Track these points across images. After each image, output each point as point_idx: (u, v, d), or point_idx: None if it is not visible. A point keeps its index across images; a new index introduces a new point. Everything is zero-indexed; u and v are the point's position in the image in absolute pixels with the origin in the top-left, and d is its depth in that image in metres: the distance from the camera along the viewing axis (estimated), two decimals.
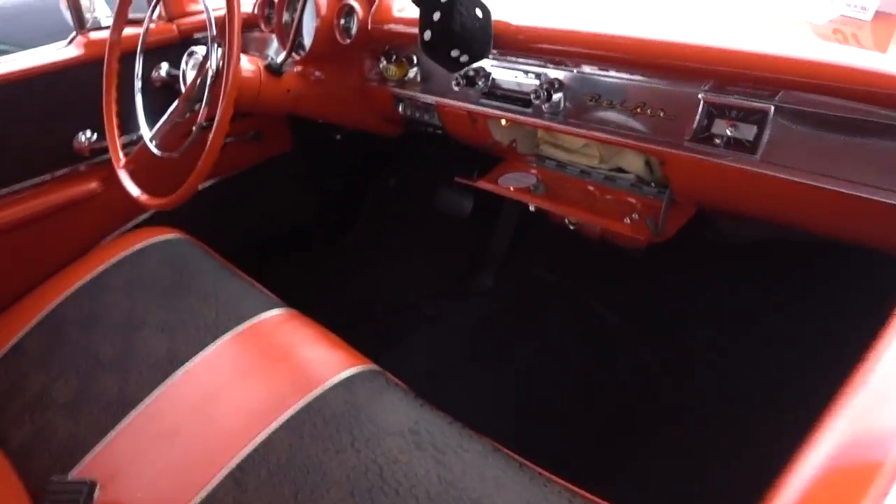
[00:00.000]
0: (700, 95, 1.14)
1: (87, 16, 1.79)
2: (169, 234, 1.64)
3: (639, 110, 1.23)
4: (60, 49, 1.75)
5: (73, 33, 1.79)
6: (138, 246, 1.60)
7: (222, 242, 1.67)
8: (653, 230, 1.28)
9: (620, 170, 1.47)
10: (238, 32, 1.31)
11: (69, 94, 1.73)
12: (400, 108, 1.71)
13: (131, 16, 1.64)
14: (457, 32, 1.22)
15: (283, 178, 2.26)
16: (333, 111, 1.80)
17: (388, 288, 2.20)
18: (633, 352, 1.78)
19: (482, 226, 2.11)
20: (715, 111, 1.14)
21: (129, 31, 1.63)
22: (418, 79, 1.62)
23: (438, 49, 1.26)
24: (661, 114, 1.20)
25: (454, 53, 1.26)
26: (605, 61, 1.25)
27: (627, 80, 1.24)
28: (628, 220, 1.32)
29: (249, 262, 1.65)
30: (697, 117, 1.15)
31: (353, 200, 2.41)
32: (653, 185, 1.42)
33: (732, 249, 1.65)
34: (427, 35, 1.26)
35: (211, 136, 1.34)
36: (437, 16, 1.24)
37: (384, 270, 2.26)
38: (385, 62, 1.65)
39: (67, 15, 1.79)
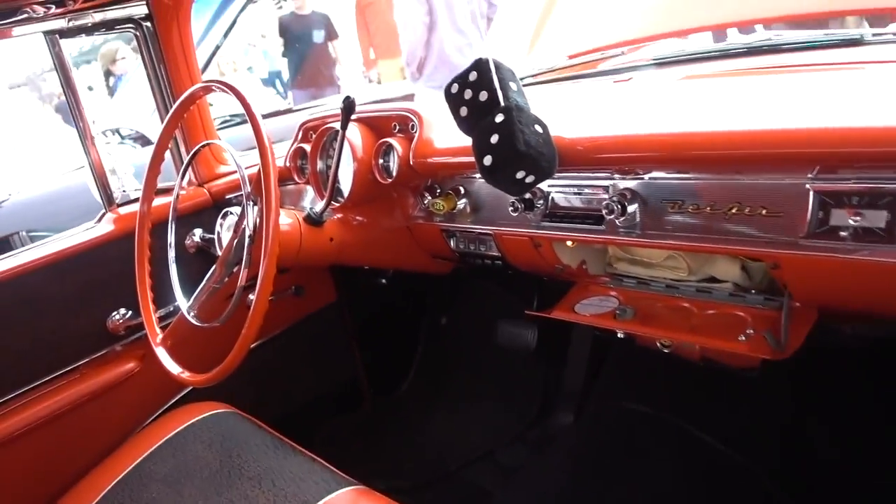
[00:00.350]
0: (808, 185, 0.99)
1: (116, 192, 1.73)
2: (213, 410, 1.50)
3: (734, 211, 1.08)
4: (90, 228, 1.68)
5: (102, 210, 1.72)
6: (181, 427, 1.46)
7: (269, 410, 1.53)
8: (774, 346, 1.09)
9: (713, 279, 1.30)
10: (275, 184, 1.21)
11: (100, 272, 1.66)
12: (451, 243, 1.58)
13: (161, 185, 1.58)
14: (522, 152, 1.10)
15: (329, 332, 2.13)
16: (379, 255, 1.69)
17: (455, 440, 1.99)
18: (754, 488, 1.52)
19: (552, 358, 1.92)
20: (830, 201, 0.98)
21: (159, 201, 1.55)
22: (468, 210, 1.50)
23: (502, 173, 1.15)
24: (763, 212, 1.05)
25: (519, 175, 1.14)
26: (684, 163, 1.11)
27: (713, 179, 1.09)
28: (743, 338, 1.13)
29: (299, 428, 1.49)
30: (810, 210, 0.99)
31: (404, 346, 2.25)
32: (753, 292, 1.24)
33: (855, 353, 1.44)
34: (487, 160, 1.15)
35: (254, 298, 1.21)
36: (495, 138, 1.13)
37: (448, 420, 2.06)
38: (430, 197, 1.54)
39: (96, 193, 1.73)
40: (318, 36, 5.56)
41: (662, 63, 1.44)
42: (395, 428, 2.11)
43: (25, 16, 1.48)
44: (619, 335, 1.33)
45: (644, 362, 1.68)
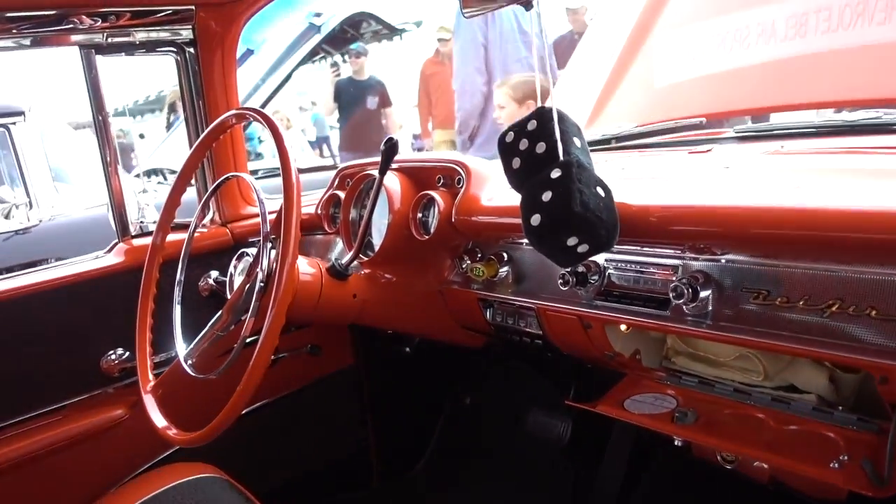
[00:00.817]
0: None
1: (133, 223, 1.61)
2: (201, 473, 1.33)
3: (835, 309, 0.89)
4: (98, 257, 1.57)
5: (115, 240, 1.60)
6: (161, 489, 1.28)
7: (265, 479, 1.35)
8: (874, 479, 0.88)
9: (792, 388, 1.10)
10: (296, 223, 1.07)
11: (103, 306, 1.54)
12: (488, 314, 1.41)
13: (182, 220, 1.45)
14: (578, 213, 0.95)
15: (342, 399, 1.96)
16: (406, 319, 1.52)
17: None
18: None
19: (586, 456, 1.71)
20: None
21: (177, 236, 1.42)
22: (510, 279, 1.34)
23: (552, 236, 1.00)
24: (872, 312, 0.86)
25: (571, 242, 0.99)
26: (776, 243, 0.94)
27: (807, 268, 0.92)
28: (836, 465, 0.93)
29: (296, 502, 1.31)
30: None
31: (422, 424, 2.05)
32: (841, 408, 1.04)
33: None
34: (535, 220, 1.00)
35: (256, 352, 1.06)
36: (548, 195, 0.99)
37: None
38: (469, 261, 1.39)
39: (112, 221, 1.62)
40: (372, 102, 5.63)
41: (747, 136, 1.28)
42: None
43: (71, 25, 1.42)
44: (676, 443, 1.13)
45: (698, 476, 1.46)
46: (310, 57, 4.13)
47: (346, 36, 4.44)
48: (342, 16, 3.97)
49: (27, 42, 1.43)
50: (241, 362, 1.15)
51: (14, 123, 3.00)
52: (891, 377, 0.86)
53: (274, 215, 1.26)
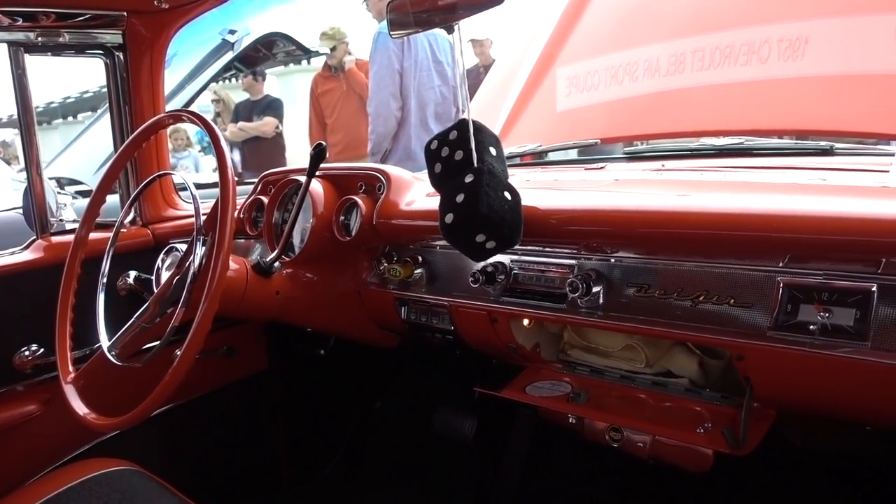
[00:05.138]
0: (778, 278, 0.98)
1: (52, 220, 1.62)
2: (117, 466, 1.33)
3: (701, 299, 1.06)
4: (14, 253, 1.56)
5: (33, 237, 1.60)
6: (74, 481, 1.28)
7: (179, 476, 1.37)
8: (732, 442, 1.05)
9: (669, 374, 1.26)
10: (231, 217, 1.15)
11: (17, 301, 1.53)
12: (403, 312, 1.51)
13: (101, 220, 1.48)
14: (483, 214, 1.09)
15: (254, 402, 1.99)
16: (325, 317, 1.60)
17: None
18: None
19: (489, 450, 1.82)
20: (799, 295, 0.97)
21: (96, 236, 1.45)
22: (424, 279, 1.45)
23: (462, 233, 1.13)
24: (731, 301, 1.03)
25: (480, 238, 1.12)
26: (656, 242, 1.10)
27: (681, 265, 1.08)
28: (701, 431, 1.09)
29: (211, 498, 1.34)
30: (778, 303, 0.98)
31: (332, 428, 2.11)
32: (708, 390, 1.21)
33: (805, 465, 1.40)
34: (449, 218, 1.13)
35: (188, 339, 1.11)
36: (461, 197, 1.12)
37: None
38: (386, 263, 1.49)
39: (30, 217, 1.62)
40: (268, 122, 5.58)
41: (634, 157, 1.47)
42: None
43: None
44: (570, 420, 1.27)
45: (588, 460, 1.60)
46: (222, 73, 4.13)
47: (258, 55, 4.46)
48: (256, 34, 4.00)
49: None
50: (163, 357, 1.19)
51: None
52: (745, 354, 1.03)
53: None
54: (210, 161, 6.53)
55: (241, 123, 5.67)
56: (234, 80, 5.72)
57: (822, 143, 1.29)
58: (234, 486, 1.89)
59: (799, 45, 1.32)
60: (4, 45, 1.48)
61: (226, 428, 1.92)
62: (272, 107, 5.70)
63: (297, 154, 6.23)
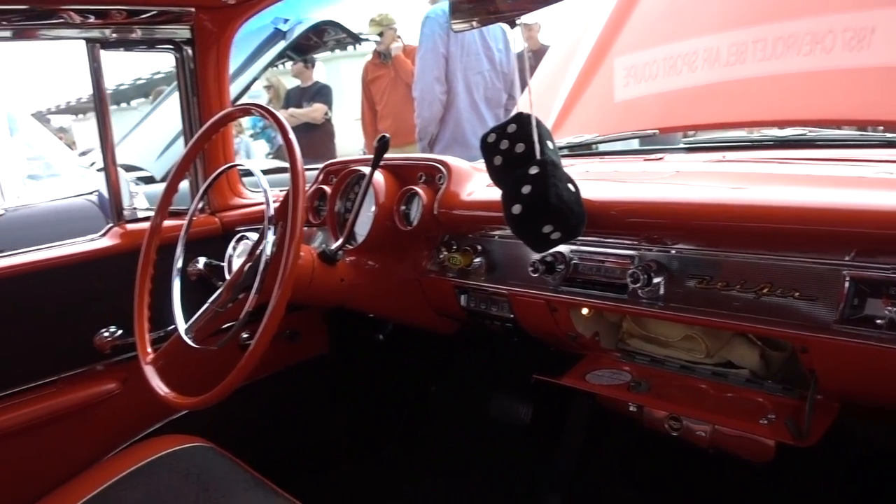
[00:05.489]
0: (844, 272, 0.98)
1: (126, 208, 1.70)
2: (192, 442, 1.41)
3: (765, 291, 1.07)
4: (93, 239, 1.64)
5: (109, 224, 1.69)
6: (155, 455, 1.36)
7: (244, 453, 1.44)
8: (795, 433, 1.06)
9: (729, 364, 1.27)
10: (303, 208, 1.19)
11: (96, 286, 1.60)
12: (462, 300, 1.55)
13: (172, 208, 1.55)
14: (553, 204, 1.11)
15: (315, 384, 2.05)
16: (386, 304, 1.65)
17: None
18: None
19: (545, 436, 1.86)
20: (866, 289, 0.97)
21: (167, 223, 1.52)
22: (483, 268, 1.49)
23: (531, 224, 1.15)
24: (796, 294, 1.04)
25: (546, 229, 1.14)
26: (719, 234, 1.11)
27: (744, 257, 1.09)
28: (764, 422, 1.10)
29: (276, 473, 1.41)
30: (844, 297, 0.98)
31: (390, 410, 2.17)
32: (770, 381, 1.22)
33: (868, 460, 1.40)
34: (516, 209, 1.15)
35: (263, 323, 1.17)
36: (527, 189, 1.14)
37: (426, 494, 1.96)
38: (446, 252, 1.53)
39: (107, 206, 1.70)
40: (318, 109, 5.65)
41: (694, 147, 1.47)
42: (369, 496, 2.01)
43: (62, 20, 1.49)
44: (630, 408, 1.29)
45: (647, 447, 1.62)
46: (274, 62, 4.20)
47: (309, 42, 4.52)
48: (308, 23, 4.06)
49: (36, 34, 1.51)
50: (234, 342, 1.26)
51: None
52: (809, 347, 1.04)
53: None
54: (259, 147, 6.65)
55: (291, 110, 5.76)
56: (285, 65, 5.79)
57: (889, 134, 1.27)
58: (295, 464, 1.96)
59: (865, 35, 1.30)
60: (81, 42, 1.56)
61: (288, 408, 1.99)
62: (321, 93, 5.78)
63: (345, 140, 6.30)
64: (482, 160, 1.28)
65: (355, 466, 2.08)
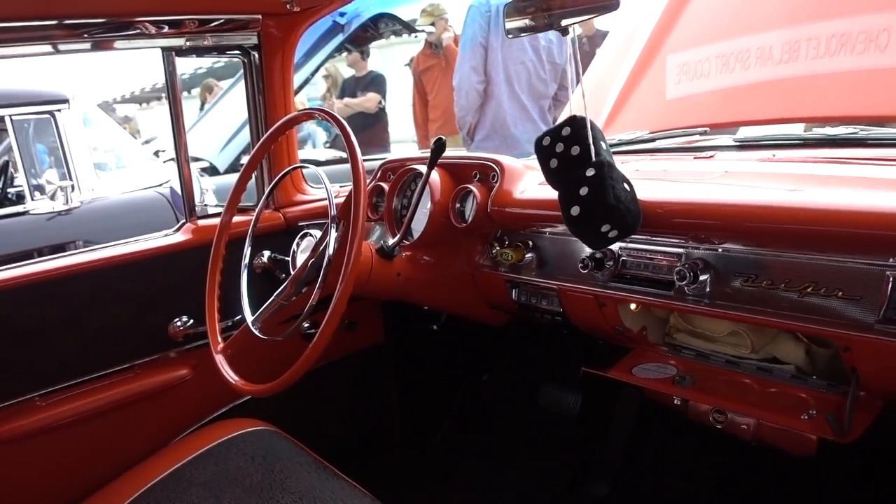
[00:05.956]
0: (888, 272, 1.00)
1: (198, 204, 1.81)
2: (257, 426, 1.51)
3: (809, 290, 1.09)
4: (168, 235, 1.75)
5: (183, 220, 1.80)
6: (224, 437, 1.47)
7: (304, 437, 1.53)
8: (837, 429, 1.09)
9: (775, 360, 1.30)
10: (364, 208, 1.26)
11: (171, 278, 1.71)
12: (514, 294, 1.61)
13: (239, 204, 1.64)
14: (611, 205, 1.15)
15: (371, 372, 2.14)
16: (440, 297, 1.72)
17: (483, 499, 1.96)
18: None
19: (593, 425, 1.91)
20: None
21: (235, 219, 1.62)
22: (534, 263, 1.54)
23: (590, 224, 1.19)
24: (839, 293, 1.06)
25: (605, 228, 1.18)
26: (766, 236, 1.14)
27: (789, 256, 1.12)
28: (805, 417, 1.13)
29: (336, 457, 1.49)
30: (887, 298, 1.00)
31: (443, 398, 2.25)
32: (815, 377, 1.24)
33: None
34: (575, 211, 1.19)
35: (327, 315, 1.25)
36: (584, 191, 1.18)
37: (477, 479, 2.04)
38: (498, 247, 1.58)
39: (179, 202, 1.81)
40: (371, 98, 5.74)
41: (745, 146, 1.49)
42: (423, 480, 2.09)
43: (138, 31, 1.59)
44: (675, 401, 1.33)
45: (692, 438, 1.66)
46: (333, 54, 4.30)
47: (366, 34, 4.60)
48: (365, 16, 4.14)
49: (113, 44, 1.61)
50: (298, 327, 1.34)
51: (59, 110, 3.18)
52: (852, 346, 1.06)
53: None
54: (321, 133, 6.77)
55: (346, 100, 5.86)
56: (341, 54, 5.90)
57: None
58: (352, 448, 2.05)
59: None
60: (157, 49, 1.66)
61: (345, 395, 2.08)
62: (375, 83, 5.86)
63: (398, 127, 6.37)
64: (532, 157, 1.33)
65: (410, 451, 2.17)
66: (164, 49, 1.65)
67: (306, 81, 3.95)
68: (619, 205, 1.15)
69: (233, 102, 4.22)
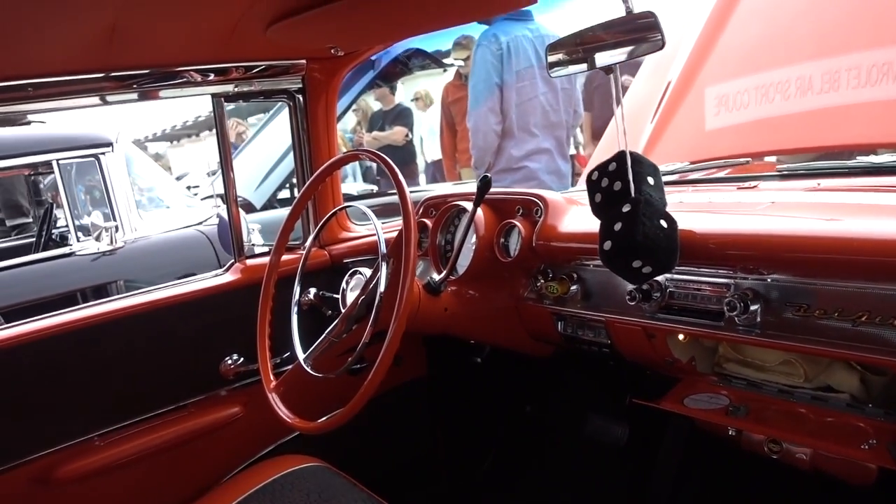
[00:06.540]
0: None
1: (246, 243, 1.85)
2: (308, 462, 1.53)
3: (863, 319, 1.09)
4: (219, 275, 1.80)
5: (232, 260, 1.84)
6: (277, 475, 1.49)
7: (352, 471, 1.54)
8: None
9: (829, 389, 1.29)
10: (415, 247, 1.29)
11: (221, 317, 1.75)
12: (559, 326, 1.62)
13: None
14: (639, 242, 1.17)
15: (415, 405, 2.16)
16: (485, 330, 1.74)
17: None
18: None
19: (641, 456, 1.90)
20: None
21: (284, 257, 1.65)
22: (579, 296, 1.55)
23: (618, 259, 1.21)
24: (894, 322, 1.06)
25: (636, 264, 1.20)
26: (816, 266, 1.14)
27: (841, 286, 1.12)
28: (865, 447, 1.12)
29: (383, 492, 1.51)
30: None
31: (486, 431, 2.25)
32: (871, 405, 1.23)
33: None
34: (607, 245, 1.22)
35: (382, 353, 1.27)
36: (618, 226, 1.20)
37: None
38: (543, 280, 1.60)
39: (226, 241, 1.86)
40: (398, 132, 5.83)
41: (789, 175, 1.50)
42: None
43: (184, 80, 1.65)
44: (729, 432, 1.33)
45: (746, 468, 1.64)
46: (364, 91, 4.40)
47: (396, 69, 4.70)
48: (395, 52, 4.22)
49: (158, 94, 1.67)
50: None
51: (103, 153, 3.28)
52: None
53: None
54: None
55: (374, 133, 5.97)
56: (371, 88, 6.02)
57: None
58: (398, 481, 2.06)
59: None
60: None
61: (390, 428, 2.09)
62: (401, 116, 5.97)
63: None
64: (570, 190, 1.35)
65: (453, 484, 2.17)
66: (213, 96, 1.71)
67: (339, 117, 4.03)
68: (647, 242, 1.16)
69: (266, 140, 4.31)
